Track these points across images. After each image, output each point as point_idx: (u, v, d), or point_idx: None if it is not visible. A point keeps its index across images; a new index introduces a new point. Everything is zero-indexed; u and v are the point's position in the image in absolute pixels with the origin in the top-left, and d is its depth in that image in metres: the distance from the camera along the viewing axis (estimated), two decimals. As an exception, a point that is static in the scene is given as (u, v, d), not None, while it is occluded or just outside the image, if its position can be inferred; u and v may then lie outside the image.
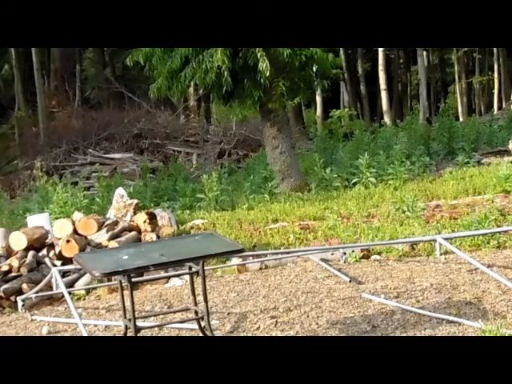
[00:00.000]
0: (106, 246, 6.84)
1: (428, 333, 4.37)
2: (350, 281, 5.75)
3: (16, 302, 6.06)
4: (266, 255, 6.77)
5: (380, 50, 26.24)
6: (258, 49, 9.88)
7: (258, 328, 4.81)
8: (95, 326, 5.29)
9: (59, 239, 6.92)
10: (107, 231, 7.11)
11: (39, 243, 6.99)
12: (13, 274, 6.45)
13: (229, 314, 5.23)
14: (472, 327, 4.36)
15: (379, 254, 6.67)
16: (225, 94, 10.56)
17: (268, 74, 9.85)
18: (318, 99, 29.08)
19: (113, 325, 5.24)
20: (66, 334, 5.20)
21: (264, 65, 9.81)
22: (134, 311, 4.12)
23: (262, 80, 10.07)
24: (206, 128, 22.06)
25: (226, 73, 9.88)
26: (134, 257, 4.20)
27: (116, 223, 7.37)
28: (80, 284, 6.46)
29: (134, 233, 7.24)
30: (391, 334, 4.43)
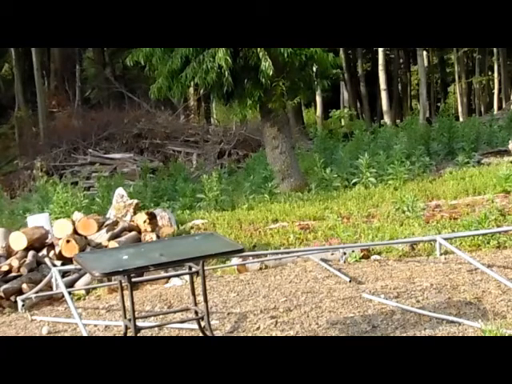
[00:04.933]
0: (106, 246, 6.83)
1: (428, 333, 4.37)
2: (350, 281, 5.75)
3: (16, 301, 6.06)
4: (265, 255, 6.77)
5: (380, 49, 26.25)
6: (259, 48, 9.88)
7: (258, 328, 4.81)
8: (95, 325, 5.29)
9: (59, 239, 6.92)
10: (107, 231, 7.11)
11: (39, 243, 6.99)
12: (13, 274, 6.45)
13: (229, 314, 5.23)
14: (472, 327, 4.36)
15: (379, 254, 6.67)
16: (225, 93, 10.56)
17: (271, 74, 9.86)
18: (318, 99, 29.08)
19: (113, 325, 5.24)
20: (66, 334, 5.20)
21: (267, 64, 9.82)
22: (134, 311, 4.12)
23: (262, 80, 10.08)
24: (206, 128, 22.07)
25: (226, 73, 9.88)
26: (134, 257, 4.20)
27: (116, 223, 7.37)
28: (80, 284, 6.46)
29: (134, 233, 7.24)
30: (391, 334, 4.43)
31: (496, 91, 31.96)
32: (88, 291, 6.37)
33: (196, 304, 4.56)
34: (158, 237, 7.20)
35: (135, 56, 10.56)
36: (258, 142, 18.40)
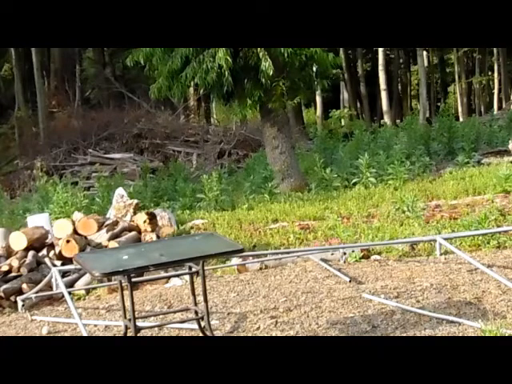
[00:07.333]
0: (106, 246, 6.83)
1: (428, 333, 4.37)
2: (350, 281, 5.75)
3: (16, 302, 6.06)
4: (265, 255, 6.77)
5: (380, 49, 26.27)
6: (259, 48, 9.88)
7: (258, 328, 4.81)
8: (95, 325, 5.29)
9: (59, 239, 6.92)
10: (107, 231, 7.11)
11: (39, 243, 6.99)
12: (13, 274, 6.45)
13: (229, 314, 5.23)
14: (472, 327, 4.35)
15: (379, 254, 6.67)
16: (225, 93, 10.56)
17: (271, 74, 9.86)
18: (318, 99, 29.09)
19: (113, 325, 5.25)
20: (66, 334, 5.20)
21: (267, 64, 9.81)
22: (134, 311, 4.12)
23: (262, 80, 10.08)
24: (206, 128, 22.07)
25: (226, 72, 9.87)
26: (134, 257, 4.20)
27: (116, 223, 7.37)
28: (80, 284, 6.46)
29: (133, 233, 7.24)
30: (391, 334, 4.43)
31: (496, 91, 31.98)
32: (88, 291, 6.37)
33: (196, 304, 4.56)
34: (158, 237, 7.20)
35: (135, 56, 10.55)
36: (258, 141, 18.40)
